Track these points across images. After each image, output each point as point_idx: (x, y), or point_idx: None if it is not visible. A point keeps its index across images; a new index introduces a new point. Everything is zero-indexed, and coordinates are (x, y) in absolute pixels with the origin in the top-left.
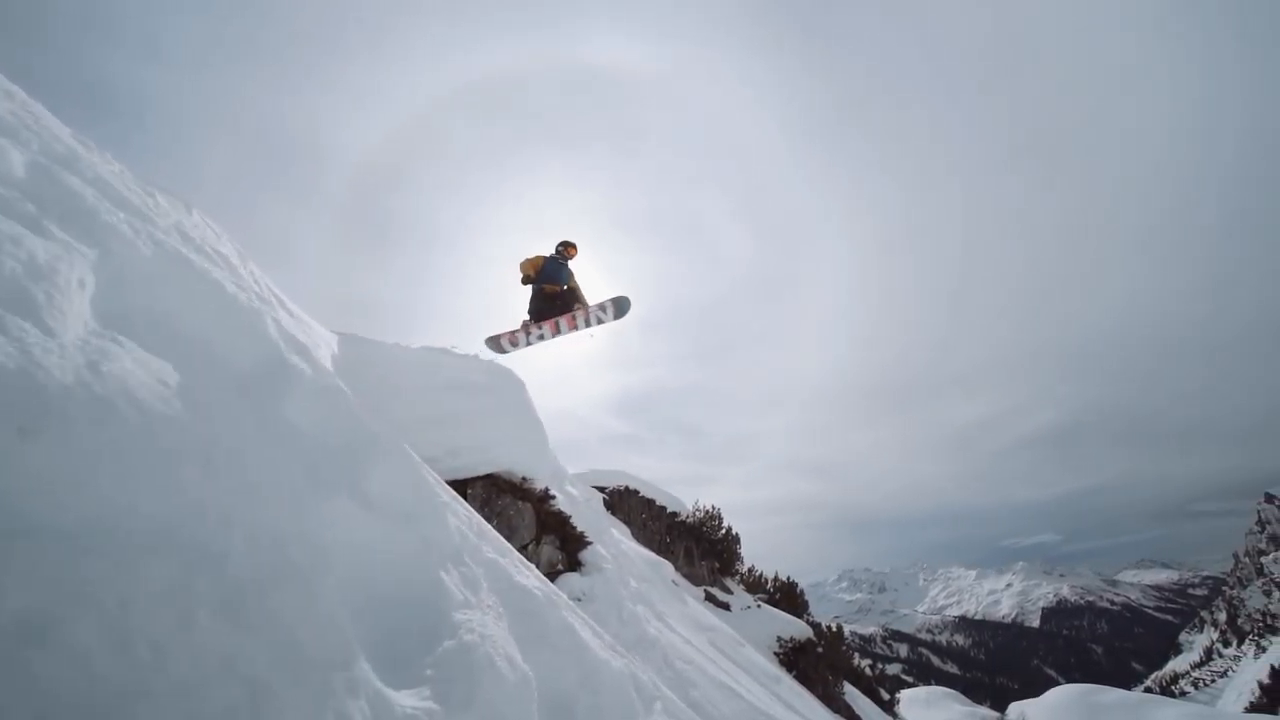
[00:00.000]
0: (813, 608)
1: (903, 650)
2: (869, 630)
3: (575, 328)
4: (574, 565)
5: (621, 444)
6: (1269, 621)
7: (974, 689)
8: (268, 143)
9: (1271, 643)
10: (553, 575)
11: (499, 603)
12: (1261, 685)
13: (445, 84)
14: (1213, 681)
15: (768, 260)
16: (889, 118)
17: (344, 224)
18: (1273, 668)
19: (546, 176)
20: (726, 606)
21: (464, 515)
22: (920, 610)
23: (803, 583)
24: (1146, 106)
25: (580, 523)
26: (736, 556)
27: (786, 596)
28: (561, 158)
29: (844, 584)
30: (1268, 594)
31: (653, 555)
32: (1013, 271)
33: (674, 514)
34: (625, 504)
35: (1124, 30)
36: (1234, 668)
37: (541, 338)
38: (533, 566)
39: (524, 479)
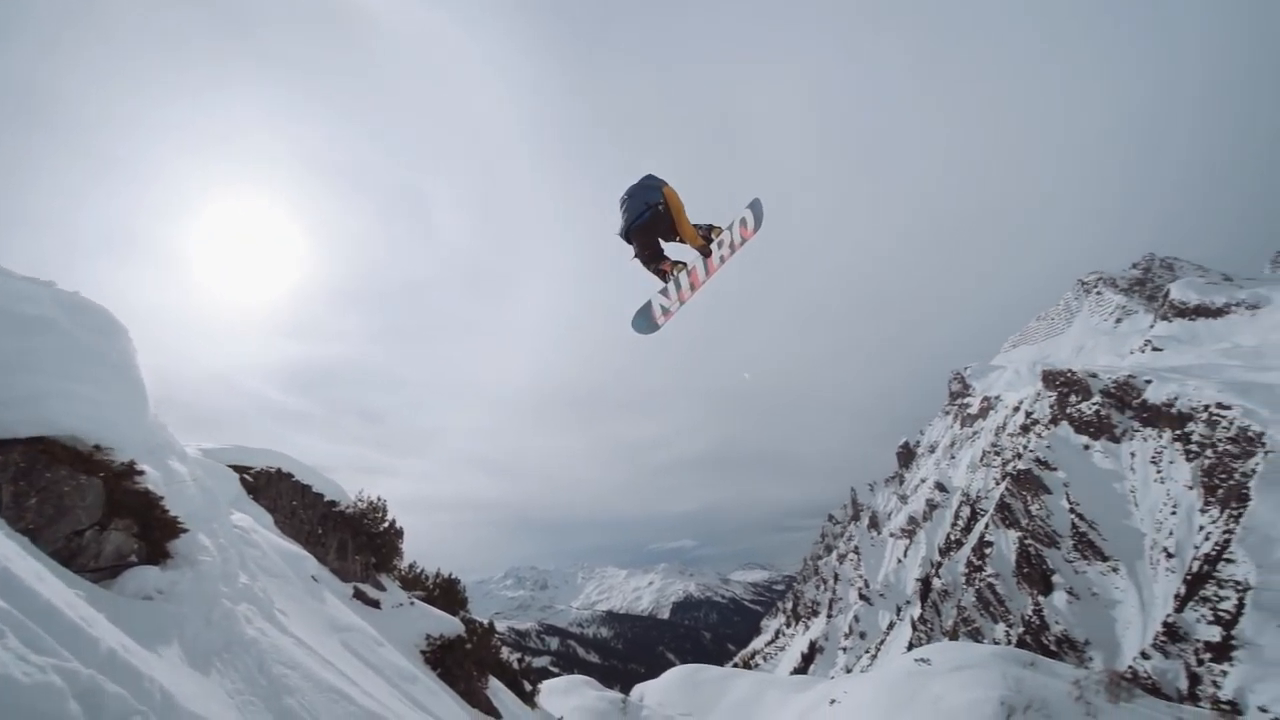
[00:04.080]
0: (476, 605)
1: (554, 643)
2: (526, 625)
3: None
4: (158, 556)
5: (290, 421)
6: (814, 608)
7: (610, 676)
8: None
9: (813, 624)
10: (121, 568)
11: None
12: (802, 654)
13: None
14: (776, 655)
15: (488, 254)
16: (632, 153)
17: None
18: (810, 642)
19: (249, 92)
20: (377, 604)
21: None
22: (575, 606)
23: (469, 580)
24: (813, 203)
25: (181, 506)
26: (397, 552)
27: (446, 594)
28: (273, 77)
29: (509, 581)
30: (817, 587)
31: (294, 547)
32: (698, 319)
33: (332, 503)
34: (274, 488)
35: (814, 133)
36: (789, 643)
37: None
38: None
39: (97, 447)
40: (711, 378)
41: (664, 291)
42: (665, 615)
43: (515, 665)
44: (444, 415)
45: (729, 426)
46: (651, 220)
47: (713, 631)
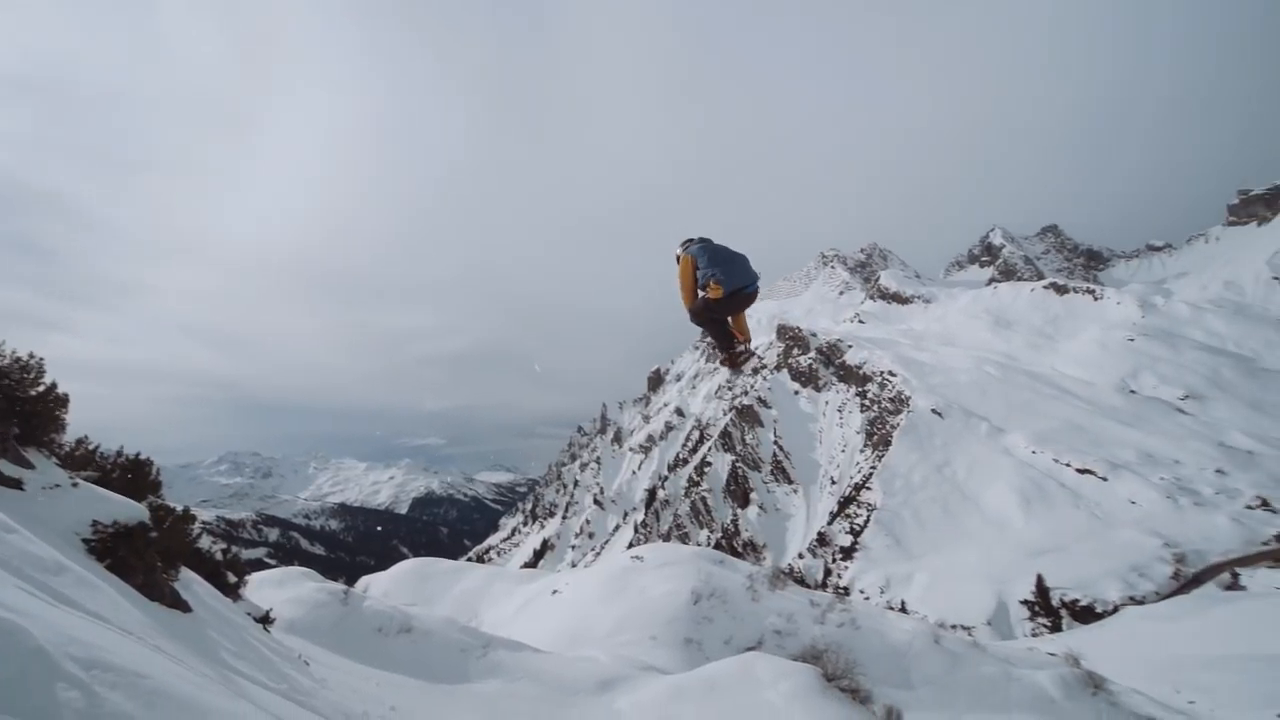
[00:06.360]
0: (179, 490)
1: (273, 535)
2: (240, 515)
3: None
4: None
5: None
6: (551, 510)
7: (334, 568)
8: None
9: (548, 524)
10: None
11: None
12: (535, 551)
13: None
14: (510, 551)
15: (238, 78)
16: (430, 17)
17: None
18: (544, 540)
19: None
20: (18, 484)
21: None
22: (303, 496)
23: (172, 463)
24: (602, 125)
25: None
26: (56, 423)
27: (131, 476)
28: None
29: (224, 466)
30: (558, 492)
31: None
32: (482, 211)
33: None
34: None
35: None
36: (524, 541)
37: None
38: None
39: None
40: (490, 280)
41: (741, 354)
42: (404, 510)
43: (219, 556)
44: (150, 268)
45: (496, 330)
46: (754, 295)
47: (451, 528)
